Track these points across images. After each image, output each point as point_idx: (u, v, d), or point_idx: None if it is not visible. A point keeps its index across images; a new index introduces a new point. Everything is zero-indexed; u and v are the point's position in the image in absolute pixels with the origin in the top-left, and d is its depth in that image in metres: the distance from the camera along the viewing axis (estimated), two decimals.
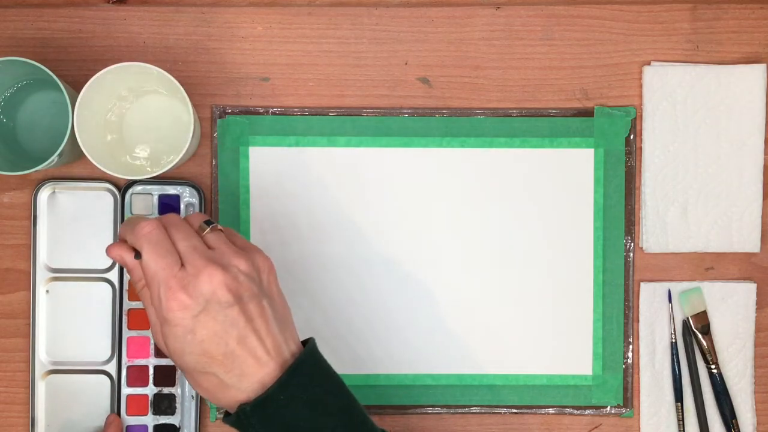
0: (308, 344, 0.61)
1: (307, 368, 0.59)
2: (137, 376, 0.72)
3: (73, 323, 0.71)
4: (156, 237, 0.58)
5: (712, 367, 0.73)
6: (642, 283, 0.73)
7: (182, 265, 0.58)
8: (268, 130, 0.73)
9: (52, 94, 0.71)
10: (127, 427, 0.72)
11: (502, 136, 0.73)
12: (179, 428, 0.72)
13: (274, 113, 0.73)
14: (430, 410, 0.74)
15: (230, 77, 0.73)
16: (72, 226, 0.71)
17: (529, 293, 0.73)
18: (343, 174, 0.73)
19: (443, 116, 0.73)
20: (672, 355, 0.73)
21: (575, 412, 0.74)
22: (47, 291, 0.71)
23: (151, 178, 0.68)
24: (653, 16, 0.73)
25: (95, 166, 0.64)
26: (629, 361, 0.74)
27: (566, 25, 0.73)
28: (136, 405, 0.72)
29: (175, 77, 0.64)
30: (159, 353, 0.72)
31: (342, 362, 0.73)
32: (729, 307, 0.73)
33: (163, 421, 0.72)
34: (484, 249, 0.73)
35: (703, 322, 0.73)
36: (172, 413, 0.72)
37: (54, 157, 0.64)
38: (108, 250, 0.61)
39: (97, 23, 0.73)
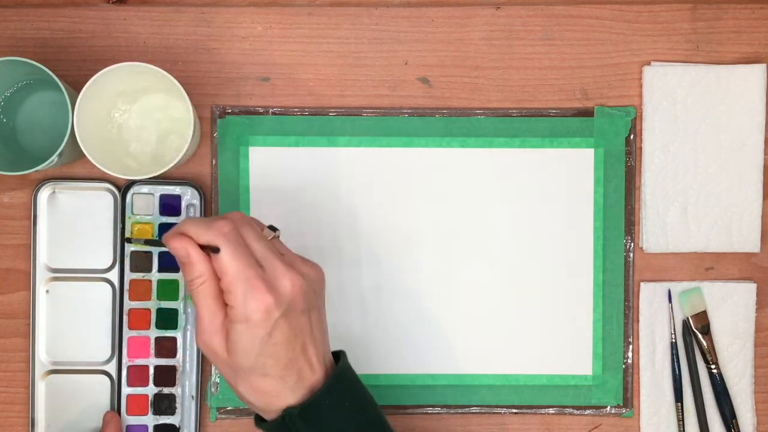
0: (342, 353, 0.63)
1: (347, 375, 0.61)
2: (137, 376, 0.72)
3: (73, 323, 0.71)
4: (236, 237, 0.57)
5: (712, 367, 0.73)
6: (642, 283, 0.73)
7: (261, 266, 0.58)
8: (268, 130, 0.73)
9: (52, 94, 0.71)
10: (127, 427, 0.72)
11: (502, 136, 0.73)
12: (179, 428, 0.72)
13: (274, 113, 0.73)
14: (430, 410, 0.74)
15: (230, 77, 0.73)
16: (72, 226, 0.71)
17: (529, 293, 0.73)
18: (343, 174, 0.73)
19: (443, 116, 0.73)
20: (672, 355, 0.73)
21: (575, 412, 0.74)
22: (47, 291, 0.71)
23: (151, 178, 0.68)
24: (653, 16, 0.73)
25: (95, 166, 0.64)
26: (629, 361, 0.74)
27: (566, 25, 0.73)
28: (136, 405, 0.72)
29: (175, 77, 0.64)
30: (159, 353, 0.71)
31: None
32: (729, 307, 0.73)
33: (163, 421, 0.72)
34: (484, 249, 0.73)
35: (703, 322, 0.73)
36: (172, 413, 0.72)
37: (54, 157, 0.64)
38: (170, 241, 0.57)
39: (97, 23, 0.73)
